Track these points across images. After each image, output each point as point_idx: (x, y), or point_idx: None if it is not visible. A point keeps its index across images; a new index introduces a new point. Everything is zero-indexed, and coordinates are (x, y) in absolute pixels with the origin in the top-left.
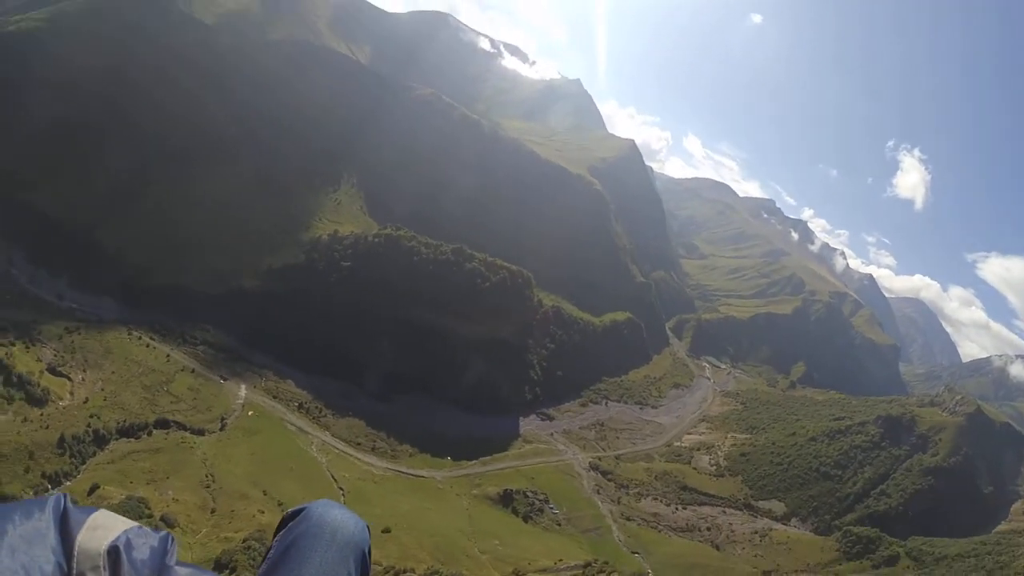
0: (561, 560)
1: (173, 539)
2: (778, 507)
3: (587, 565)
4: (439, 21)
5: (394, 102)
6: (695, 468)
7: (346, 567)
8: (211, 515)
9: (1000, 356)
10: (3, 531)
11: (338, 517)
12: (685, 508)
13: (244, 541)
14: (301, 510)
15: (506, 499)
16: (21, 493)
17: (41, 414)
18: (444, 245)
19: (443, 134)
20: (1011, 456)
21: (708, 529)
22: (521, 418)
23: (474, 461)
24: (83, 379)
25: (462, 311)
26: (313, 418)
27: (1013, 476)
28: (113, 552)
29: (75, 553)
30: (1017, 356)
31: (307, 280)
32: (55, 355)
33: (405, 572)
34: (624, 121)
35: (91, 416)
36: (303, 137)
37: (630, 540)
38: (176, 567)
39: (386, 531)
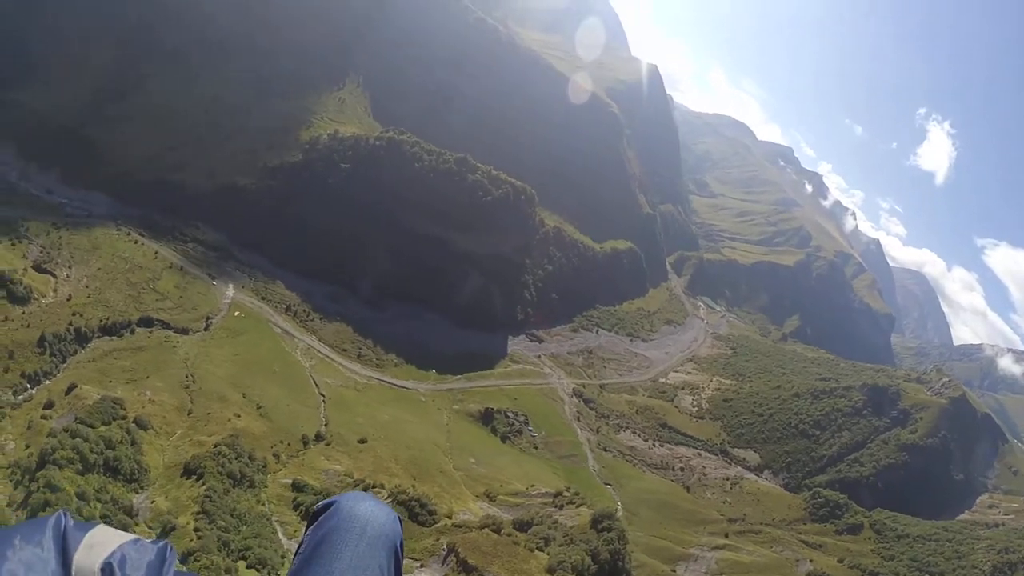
0: (534, 485)
1: (172, 548)
2: (753, 457)
3: (558, 494)
4: None
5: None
6: (677, 407)
7: (377, 561)
8: (187, 417)
9: (992, 346)
10: (4, 556)
11: (368, 510)
12: (662, 446)
13: (216, 447)
14: (332, 503)
15: (486, 417)
16: (0, 394)
17: (23, 312)
18: (448, 154)
19: (457, 37)
20: (986, 447)
21: (682, 469)
22: (510, 337)
23: (459, 376)
24: (68, 276)
25: (461, 223)
26: (300, 321)
27: (984, 467)
28: (107, 569)
29: (72, 573)
30: (1009, 349)
31: (304, 180)
32: (41, 252)
33: (374, 487)
34: (649, 42)
35: (73, 314)
36: (308, 30)
37: (604, 471)
38: None
39: (362, 441)
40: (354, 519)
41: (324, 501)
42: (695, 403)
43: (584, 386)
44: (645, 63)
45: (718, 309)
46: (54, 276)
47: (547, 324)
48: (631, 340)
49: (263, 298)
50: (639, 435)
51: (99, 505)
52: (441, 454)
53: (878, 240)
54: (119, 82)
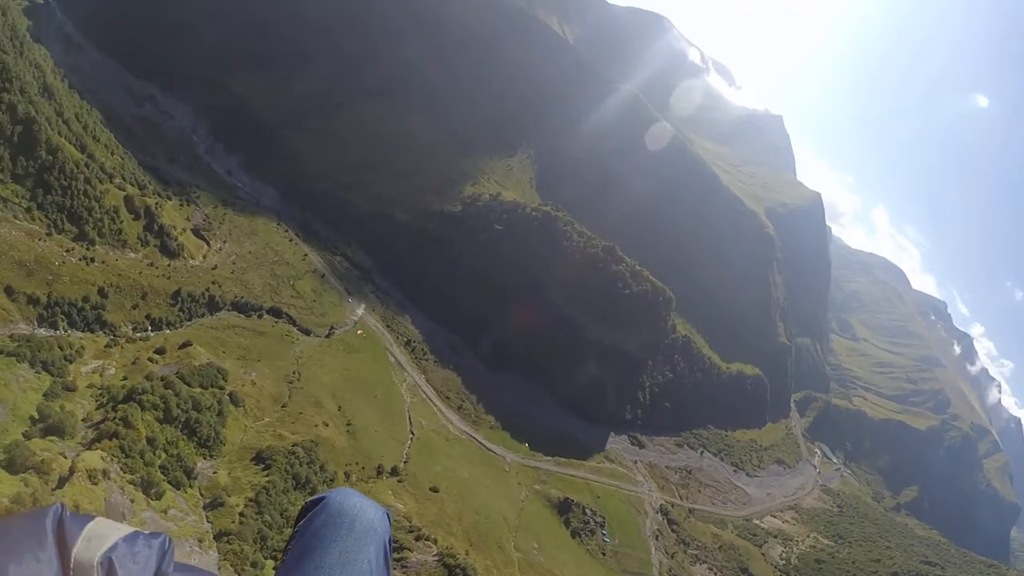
0: None
1: (170, 541)
2: None
3: None
4: (655, 22)
5: (590, 89)
6: (764, 555)
7: (365, 555)
8: (279, 409)
9: None
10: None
11: (356, 505)
12: None
13: (293, 445)
14: (321, 499)
15: (564, 507)
16: (122, 324)
17: (169, 265)
18: (597, 239)
19: (632, 131)
20: None
21: None
22: (612, 434)
23: (549, 458)
24: (220, 248)
25: (595, 309)
26: (415, 358)
27: None
28: (106, 563)
29: (71, 566)
30: None
31: (457, 230)
32: (203, 220)
33: (426, 539)
34: (815, 172)
35: (213, 282)
36: (496, 96)
37: None
38: (173, 573)
39: (434, 490)
40: (343, 514)
41: (313, 497)
42: (784, 556)
43: (673, 505)
44: (809, 189)
45: (834, 460)
46: (208, 244)
47: (652, 431)
48: (735, 471)
49: (388, 326)
50: (715, 573)
51: (163, 455)
52: (506, 529)
53: (1020, 419)
54: (325, 99)
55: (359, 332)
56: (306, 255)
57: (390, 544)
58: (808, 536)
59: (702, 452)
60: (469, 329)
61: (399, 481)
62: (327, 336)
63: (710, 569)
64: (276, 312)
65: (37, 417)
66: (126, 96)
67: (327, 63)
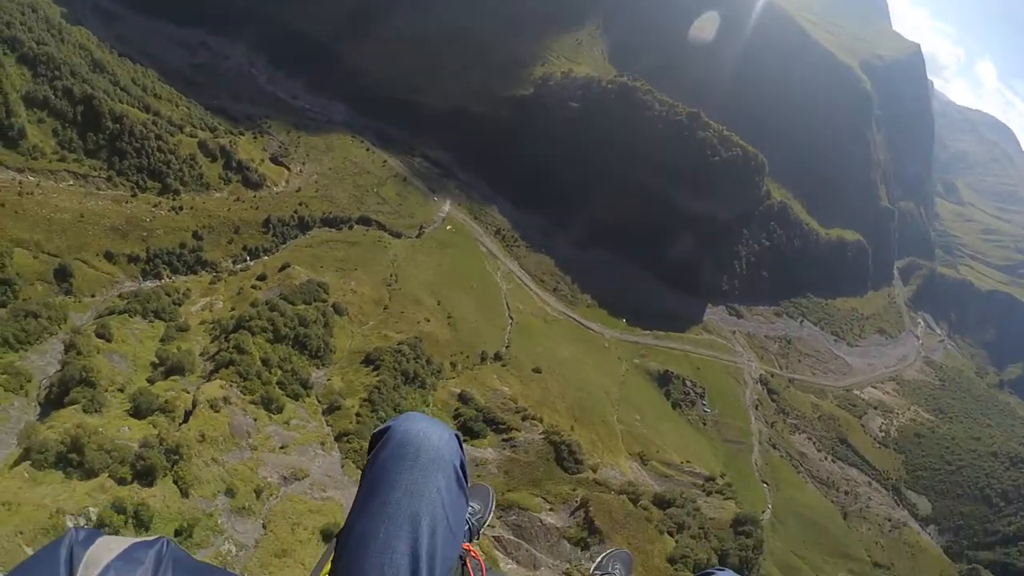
0: (689, 462)
1: (168, 544)
2: (924, 507)
3: (710, 478)
4: None
5: None
6: (863, 426)
7: (434, 484)
8: (382, 311)
9: None
10: None
11: (420, 434)
12: (834, 461)
13: (399, 344)
14: (386, 429)
15: (664, 379)
16: (222, 260)
17: (254, 196)
18: (680, 107)
19: None
20: None
21: (846, 493)
22: (709, 306)
23: (648, 332)
24: (300, 171)
25: (684, 180)
26: (507, 246)
27: None
28: None
29: None
30: None
31: (532, 114)
32: (279, 147)
33: (533, 419)
34: (914, 22)
35: (300, 204)
36: None
37: (765, 468)
38: None
39: (537, 371)
40: (407, 444)
41: (380, 427)
42: (884, 428)
43: (772, 375)
44: (908, 40)
45: (938, 332)
46: (288, 169)
47: (750, 301)
48: (835, 340)
49: (476, 218)
50: (814, 443)
51: (279, 372)
52: (608, 404)
53: None
54: (373, 6)
55: (448, 228)
56: (385, 161)
57: (463, 468)
58: (909, 409)
59: (801, 321)
60: (557, 212)
61: (503, 365)
62: (417, 236)
63: (809, 439)
64: (365, 221)
65: (157, 362)
66: (178, 48)
67: None
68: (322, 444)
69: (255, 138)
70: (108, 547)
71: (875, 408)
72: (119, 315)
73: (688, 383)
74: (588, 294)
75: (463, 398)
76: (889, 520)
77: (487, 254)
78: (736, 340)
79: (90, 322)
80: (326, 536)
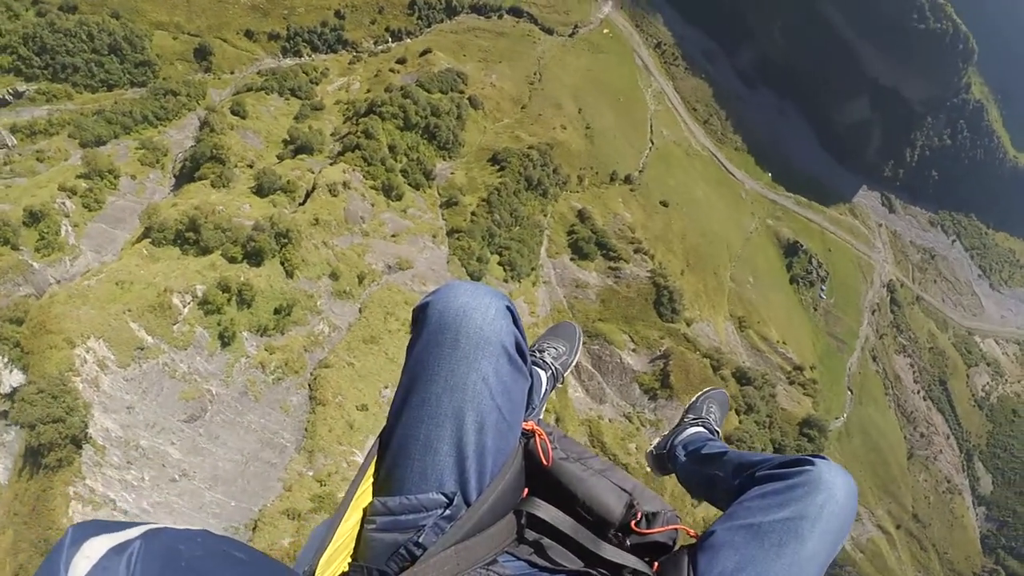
0: (785, 343)
1: (145, 544)
2: (986, 486)
3: (798, 368)
4: None
5: None
6: (968, 377)
7: (478, 374)
8: (519, 111)
9: None
10: None
11: (460, 312)
12: (925, 399)
13: (529, 148)
14: (424, 307)
15: (791, 250)
16: (363, 40)
17: None
18: None
19: None
20: None
21: (921, 435)
22: (864, 187)
23: (790, 195)
24: None
25: (879, 39)
26: (665, 63)
27: None
28: None
29: None
30: None
31: None
32: None
33: (644, 253)
34: None
35: None
36: None
37: (857, 376)
38: None
39: (664, 204)
40: (444, 329)
41: (420, 302)
42: (987, 388)
43: (902, 285)
44: None
45: None
46: None
47: (908, 197)
48: (980, 276)
49: (637, 25)
50: (914, 371)
51: (404, 159)
52: (727, 258)
53: None
54: None
55: (605, 31)
56: None
57: (519, 348)
58: (1019, 382)
59: (954, 241)
60: (729, 35)
61: (631, 190)
62: (570, 35)
63: (911, 365)
64: (516, 12)
65: (288, 139)
66: None
67: None
68: (434, 237)
69: None
70: (87, 556)
71: (989, 364)
72: (256, 92)
73: (814, 261)
74: (740, 135)
75: (582, 215)
76: (948, 481)
77: (641, 68)
78: (879, 234)
79: (227, 99)
80: None
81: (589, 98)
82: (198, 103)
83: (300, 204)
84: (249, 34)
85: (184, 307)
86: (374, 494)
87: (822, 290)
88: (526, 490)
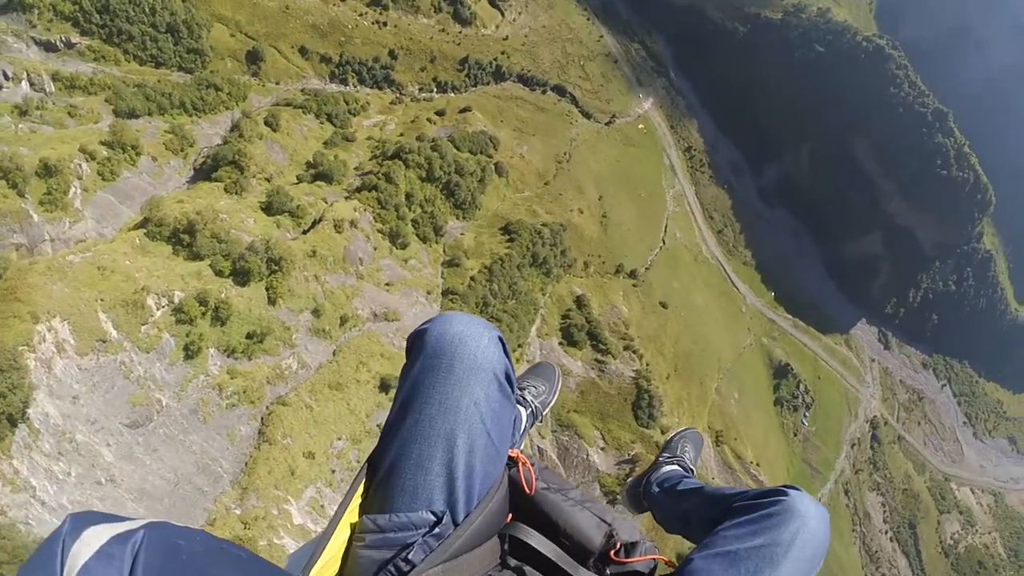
0: (759, 465)
1: (149, 535)
2: None
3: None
4: None
5: None
6: (939, 523)
7: (470, 398)
8: (542, 186)
9: None
10: None
11: (456, 339)
12: (892, 540)
13: (542, 225)
14: (421, 333)
15: (781, 371)
16: (409, 84)
17: (460, 32)
18: (931, 99)
19: None
20: None
21: None
22: (863, 320)
23: (789, 317)
24: (514, 20)
25: (901, 179)
26: (691, 167)
27: None
28: None
29: None
30: None
31: (772, 41)
32: None
33: (633, 351)
34: None
35: (502, 52)
36: None
37: (828, 508)
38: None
39: (663, 305)
40: (440, 355)
41: (416, 329)
42: (956, 537)
43: (885, 423)
44: None
45: None
46: (502, 14)
47: (905, 337)
48: (965, 423)
49: (671, 126)
50: (884, 511)
51: (418, 210)
52: (715, 369)
53: None
54: None
55: (640, 126)
56: (601, 37)
57: (507, 376)
58: (989, 533)
59: (944, 385)
60: (757, 151)
61: (634, 285)
62: (607, 123)
63: (883, 505)
64: (560, 90)
65: (311, 163)
66: None
67: None
68: (428, 293)
69: None
70: (88, 543)
71: (961, 513)
72: (294, 108)
73: (802, 387)
74: (750, 250)
75: (580, 301)
76: None
77: (668, 168)
78: (871, 369)
79: (264, 108)
80: (383, 386)
81: (612, 187)
82: (237, 104)
83: (303, 231)
84: (303, 51)
85: (157, 310)
86: (363, 512)
87: (805, 416)
88: (510, 515)
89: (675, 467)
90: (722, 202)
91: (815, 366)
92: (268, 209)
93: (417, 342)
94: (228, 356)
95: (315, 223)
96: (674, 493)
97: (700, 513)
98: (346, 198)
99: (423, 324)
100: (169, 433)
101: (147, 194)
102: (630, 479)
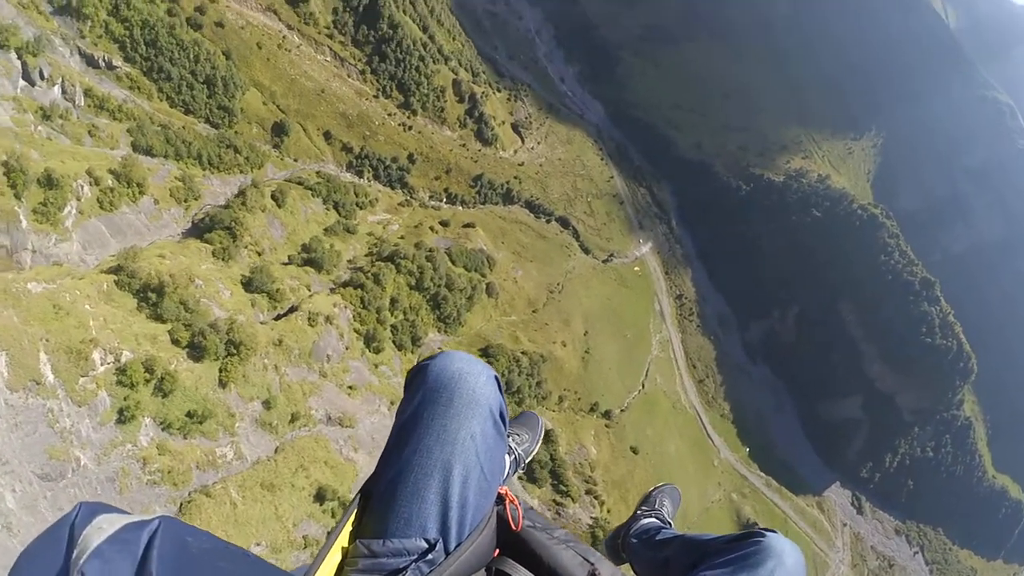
0: None
1: (164, 524)
2: None
3: None
4: None
5: (961, 87)
6: None
7: (467, 431)
8: (529, 313)
9: None
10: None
11: (455, 376)
12: None
13: (521, 353)
14: (423, 368)
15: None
16: (420, 190)
17: (479, 150)
18: (919, 268)
19: (999, 153)
20: None
21: None
22: (838, 483)
23: (762, 475)
24: (532, 148)
25: (884, 344)
26: (680, 315)
27: None
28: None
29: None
30: None
31: (771, 202)
32: (525, 117)
33: (595, 497)
34: None
35: (515, 177)
36: (848, 62)
37: None
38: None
39: (634, 450)
40: (440, 389)
41: (418, 364)
42: None
43: None
44: None
45: None
46: (522, 140)
47: (879, 502)
48: None
49: (666, 272)
50: None
51: (400, 316)
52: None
53: None
54: (668, 29)
55: (636, 268)
56: (612, 178)
57: (502, 414)
58: None
59: (916, 553)
60: (746, 307)
61: (607, 426)
62: (604, 261)
63: None
64: (564, 222)
65: (306, 246)
66: None
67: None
68: (392, 403)
69: (508, 99)
70: (100, 528)
71: None
72: (304, 188)
73: None
74: (729, 403)
75: (548, 436)
76: None
77: (657, 312)
78: (842, 533)
79: (276, 181)
80: (319, 496)
81: (599, 324)
82: (252, 170)
83: (276, 317)
84: (327, 135)
85: (101, 365)
86: (357, 537)
87: None
88: (497, 551)
89: (653, 520)
90: (707, 352)
91: (785, 527)
92: (248, 284)
93: (418, 376)
94: (163, 429)
95: (291, 310)
96: (653, 543)
97: (679, 559)
98: (330, 290)
99: (424, 360)
100: (79, 495)
101: (140, 233)
102: (609, 532)
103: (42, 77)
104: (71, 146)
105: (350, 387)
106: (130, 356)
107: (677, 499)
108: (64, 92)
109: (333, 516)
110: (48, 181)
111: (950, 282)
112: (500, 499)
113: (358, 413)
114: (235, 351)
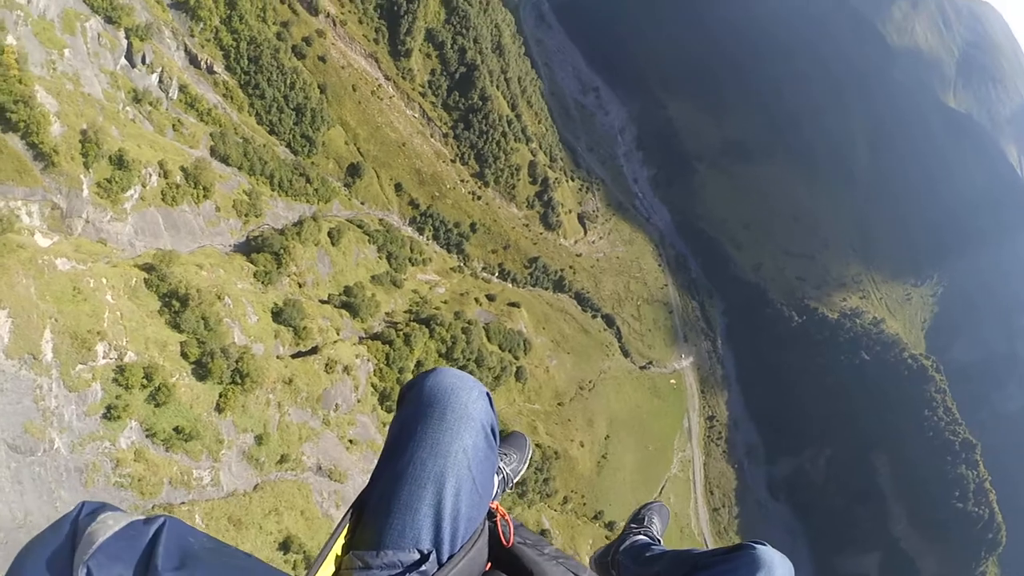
0: None
1: (168, 524)
2: None
3: None
4: None
5: None
6: None
7: (460, 445)
8: (554, 405)
9: None
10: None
11: (448, 391)
12: None
13: (538, 444)
14: (416, 384)
15: None
16: (475, 259)
17: (541, 234)
18: (963, 428)
19: None
20: None
21: None
22: None
23: None
24: (594, 242)
25: (914, 503)
26: (708, 437)
27: None
28: (84, 570)
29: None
30: None
31: (822, 338)
32: (592, 210)
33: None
34: None
35: (570, 267)
36: (924, 213)
37: None
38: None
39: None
40: (433, 403)
41: (411, 380)
42: None
43: None
44: None
45: None
46: (585, 232)
47: None
48: None
49: (703, 391)
50: None
51: None
52: None
53: None
54: (747, 145)
55: (672, 381)
56: (665, 285)
57: (493, 429)
58: None
59: None
60: (777, 441)
61: (607, 538)
62: (641, 367)
63: None
64: (609, 320)
65: (347, 289)
66: (575, 80)
67: (763, 111)
68: None
69: (579, 190)
70: (106, 524)
71: None
72: (363, 232)
73: None
74: (740, 538)
75: (543, 535)
76: None
77: (685, 430)
78: None
79: (338, 219)
80: (284, 546)
81: (623, 431)
82: (318, 202)
83: (295, 354)
84: (398, 186)
85: (102, 359)
86: (351, 548)
87: None
88: (488, 564)
89: (642, 537)
90: (727, 481)
91: None
92: (277, 315)
93: (411, 391)
94: (146, 436)
95: (312, 351)
96: (642, 559)
97: (669, 573)
98: (359, 339)
99: (417, 376)
100: (43, 476)
101: (193, 234)
102: (598, 550)
103: (143, 62)
104: (152, 134)
105: (351, 440)
106: (133, 358)
107: (666, 516)
108: (160, 82)
109: (295, 568)
110: (119, 161)
111: (993, 442)
112: (491, 514)
113: (351, 469)
114: (240, 381)
